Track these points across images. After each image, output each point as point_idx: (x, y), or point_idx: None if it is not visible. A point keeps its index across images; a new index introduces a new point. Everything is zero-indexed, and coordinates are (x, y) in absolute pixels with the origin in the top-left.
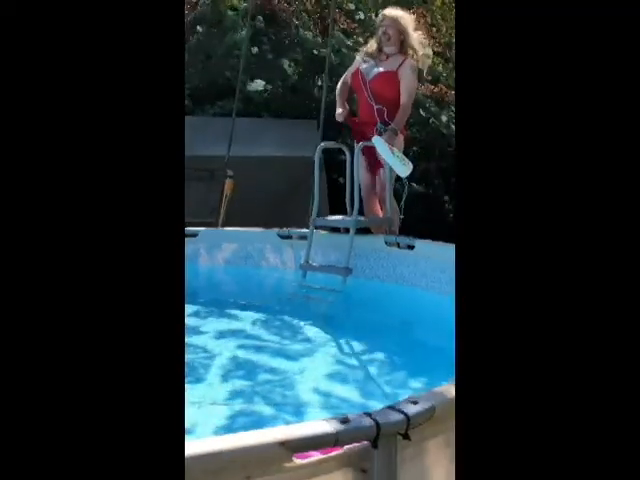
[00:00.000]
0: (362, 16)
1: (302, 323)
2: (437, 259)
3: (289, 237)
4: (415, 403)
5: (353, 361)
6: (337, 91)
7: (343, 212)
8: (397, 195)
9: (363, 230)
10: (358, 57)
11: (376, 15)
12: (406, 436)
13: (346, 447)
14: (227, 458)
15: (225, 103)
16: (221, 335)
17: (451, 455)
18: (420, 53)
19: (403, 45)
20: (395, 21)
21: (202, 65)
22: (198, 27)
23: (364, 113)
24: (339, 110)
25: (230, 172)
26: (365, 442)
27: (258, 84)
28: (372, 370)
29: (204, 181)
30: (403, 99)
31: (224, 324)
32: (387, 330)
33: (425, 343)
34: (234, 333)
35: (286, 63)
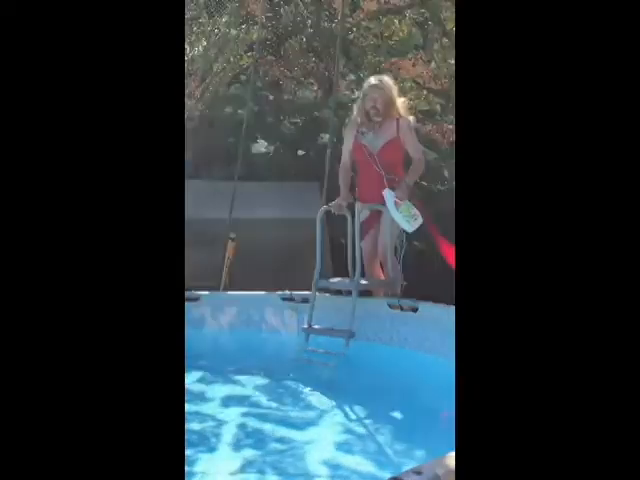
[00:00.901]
0: (353, 77)
1: (306, 389)
2: (441, 322)
3: (291, 299)
4: (419, 474)
5: (357, 428)
6: (340, 179)
7: (347, 272)
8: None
9: (365, 292)
10: (347, 133)
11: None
12: None
13: None
14: None
15: (233, 168)
16: (227, 402)
17: None
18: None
19: (390, 110)
20: (381, 92)
21: (208, 132)
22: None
23: (371, 184)
24: (342, 202)
25: (232, 234)
26: None
27: (261, 145)
28: (378, 437)
29: (207, 244)
30: (416, 155)
31: (229, 390)
32: (391, 395)
33: (430, 408)
34: (239, 400)
35: (288, 126)
